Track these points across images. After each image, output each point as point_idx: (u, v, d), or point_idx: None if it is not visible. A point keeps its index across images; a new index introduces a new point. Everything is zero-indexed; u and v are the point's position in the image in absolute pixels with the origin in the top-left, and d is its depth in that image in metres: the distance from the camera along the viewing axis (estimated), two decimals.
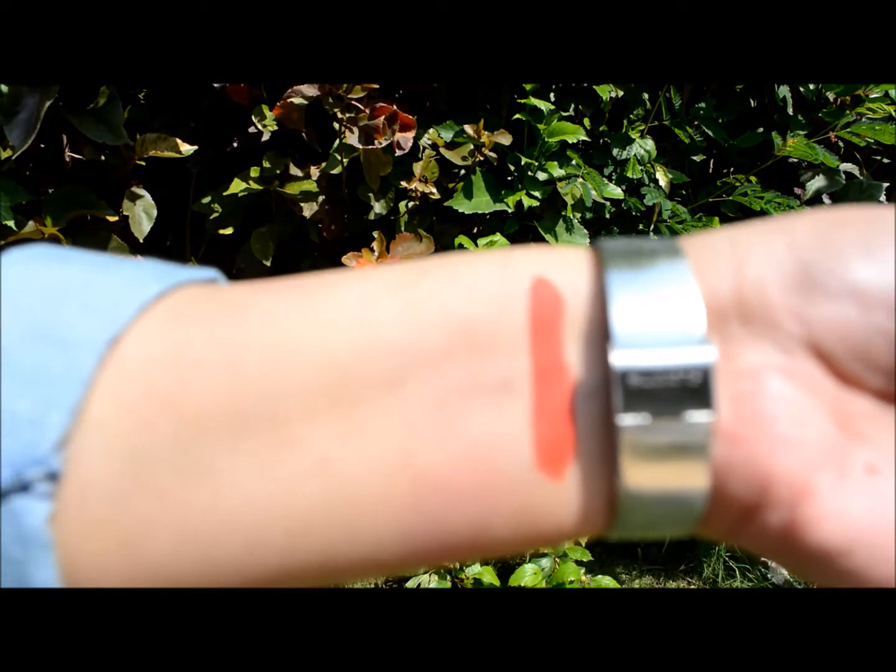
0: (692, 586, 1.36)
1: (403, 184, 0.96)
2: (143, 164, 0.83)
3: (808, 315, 0.14)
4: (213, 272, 0.17)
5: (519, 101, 0.99)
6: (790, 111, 1.11)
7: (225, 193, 0.92)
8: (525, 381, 0.14)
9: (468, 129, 0.95)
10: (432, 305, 0.15)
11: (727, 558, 1.41)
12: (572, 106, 1.09)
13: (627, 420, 0.14)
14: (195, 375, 0.14)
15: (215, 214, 0.96)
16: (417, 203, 0.99)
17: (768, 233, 0.15)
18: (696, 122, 1.13)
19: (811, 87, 1.10)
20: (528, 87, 0.99)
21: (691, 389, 0.14)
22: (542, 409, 0.14)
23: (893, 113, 1.03)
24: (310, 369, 0.14)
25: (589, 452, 0.14)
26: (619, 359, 0.14)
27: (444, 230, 1.03)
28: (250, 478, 0.14)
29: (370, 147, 0.86)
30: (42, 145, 0.86)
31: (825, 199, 1.14)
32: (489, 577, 1.10)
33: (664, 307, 0.14)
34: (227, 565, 0.14)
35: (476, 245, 0.97)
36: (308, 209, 0.94)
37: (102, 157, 0.85)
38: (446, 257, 0.16)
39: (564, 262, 0.16)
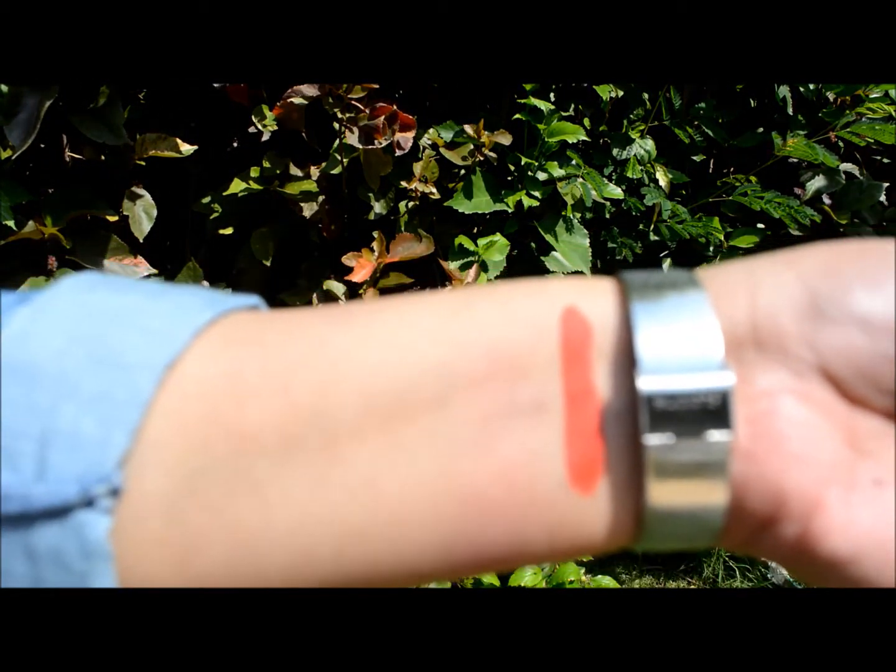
0: (692, 586, 1.36)
1: (403, 184, 0.96)
2: (143, 164, 0.83)
3: (817, 342, 0.16)
4: (256, 299, 0.18)
5: (519, 101, 0.99)
6: (790, 111, 1.11)
7: (225, 193, 0.92)
8: (558, 403, 0.16)
9: (468, 129, 0.95)
10: (474, 332, 0.16)
11: (727, 558, 1.41)
12: (572, 106, 1.09)
13: (653, 440, 0.15)
14: (249, 397, 0.15)
15: (215, 214, 0.96)
16: (417, 203, 0.99)
17: (780, 265, 0.16)
18: (696, 122, 1.13)
19: (811, 87, 1.10)
20: (528, 87, 0.99)
21: (711, 411, 0.15)
22: (574, 429, 0.15)
23: (893, 113, 1.03)
24: (358, 391, 0.15)
25: (617, 470, 0.15)
26: (646, 384, 0.15)
27: (444, 230, 1.03)
28: (302, 495, 0.15)
29: (370, 147, 0.86)
30: (42, 145, 0.86)
31: (825, 198, 1.14)
32: (489, 577, 1.10)
33: (685, 335, 0.15)
34: (276, 578, 0.15)
35: (476, 245, 0.97)
36: (308, 209, 0.94)
37: (102, 157, 0.85)
38: (486, 287, 0.17)
39: (592, 293, 0.17)
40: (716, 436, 0.15)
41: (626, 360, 0.16)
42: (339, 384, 0.15)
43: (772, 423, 0.15)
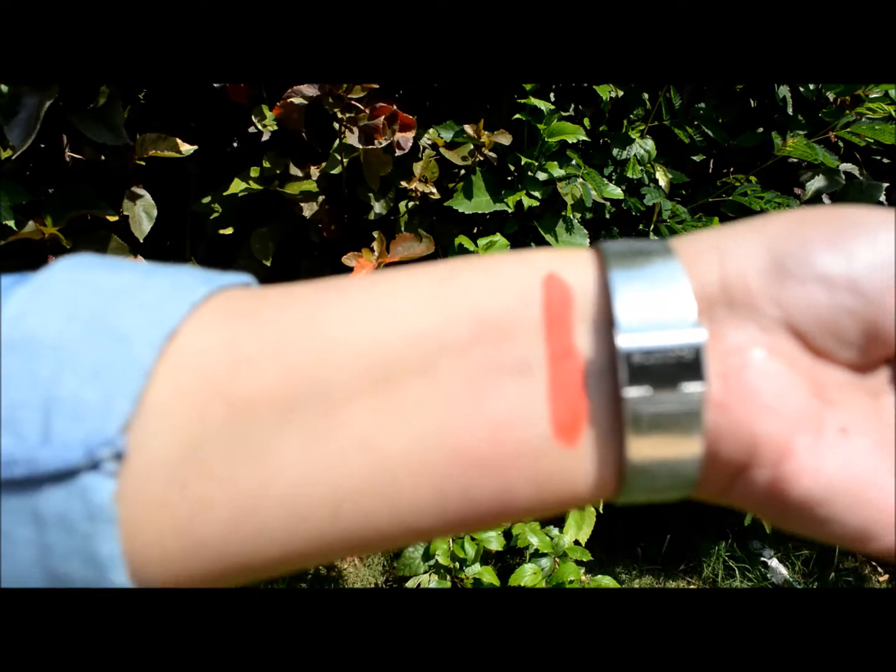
0: (692, 586, 1.36)
1: (403, 184, 0.96)
2: (143, 164, 0.83)
3: (783, 299, 0.17)
4: (249, 277, 0.19)
5: (519, 101, 0.99)
6: (790, 111, 1.11)
7: (225, 193, 0.92)
8: (542, 363, 0.16)
9: (468, 129, 0.95)
10: (461, 299, 0.17)
11: (727, 558, 1.41)
12: (572, 106, 1.08)
13: (632, 392, 0.16)
14: (246, 365, 0.16)
15: (215, 214, 0.96)
16: (417, 203, 0.99)
17: (747, 231, 0.18)
18: (695, 122, 1.12)
19: (811, 87, 1.10)
20: (527, 87, 0.99)
21: (685, 365, 0.16)
22: (557, 387, 0.16)
23: (893, 113, 1.03)
24: (352, 357, 0.16)
25: (599, 424, 0.16)
26: (624, 341, 0.16)
27: (444, 230, 1.03)
28: (299, 457, 0.16)
29: (370, 147, 0.86)
30: (42, 145, 0.86)
31: (825, 199, 1.14)
32: (489, 576, 1.10)
33: (660, 297, 0.16)
34: (277, 538, 0.16)
35: (476, 245, 0.97)
36: (308, 209, 0.94)
37: (102, 157, 0.85)
38: (471, 258, 0.18)
39: (572, 261, 0.18)
40: (690, 387, 0.16)
41: (605, 322, 0.17)
42: (332, 351, 0.16)
43: (743, 376, 0.16)
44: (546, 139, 0.98)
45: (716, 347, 0.17)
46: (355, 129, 0.86)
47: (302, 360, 0.16)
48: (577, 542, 1.13)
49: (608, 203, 1.09)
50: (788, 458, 0.16)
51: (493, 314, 0.17)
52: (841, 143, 1.11)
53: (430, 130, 0.99)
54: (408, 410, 0.16)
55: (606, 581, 1.11)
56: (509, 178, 1.05)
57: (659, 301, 0.16)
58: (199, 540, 0.15)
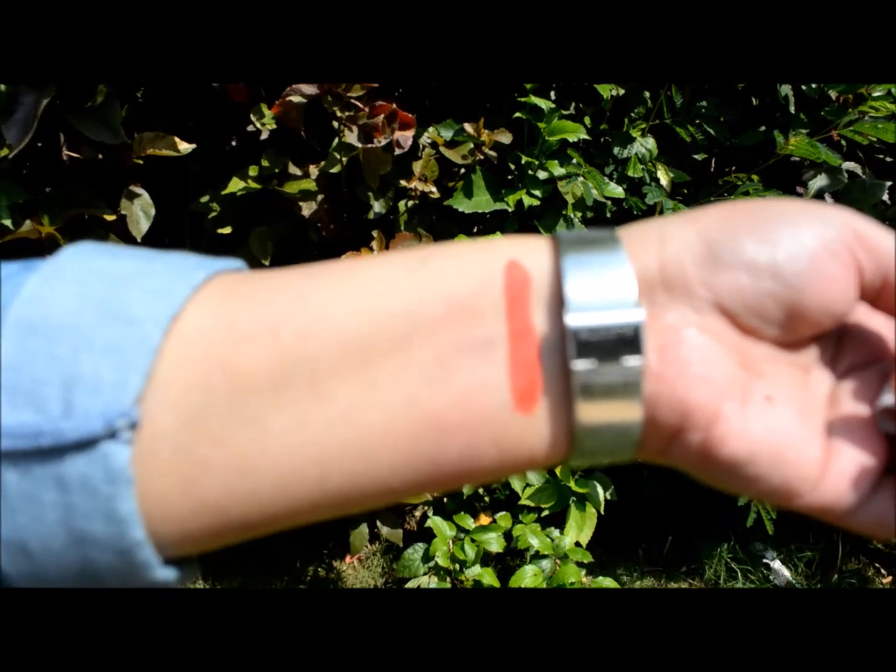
0: (694, 588, 1.35)
1: (403, 183, 0.96)
2: (141, 162, 0.83)
3: (713, 283, 0.19)
4: (240, 262, 0.20)
5: (519, 99, 0.98)
6: (792, 110, 1.10)
7: (223, 192, 0.92)
8: (503, 340, 0.18)
9: (468, 127, 0.95)
10: (432, 283, 0.19)
11: (729, 560, 1.41)
12: (573, 104, 1.08)
13: (579, 365, 0.18)
14: (243, 343, 0.18)
15: (214, 213, 0.96)
16: (417, 202, 0.99)
17: (685, 221, 0.20)
18: (697, 121, 1.12)
19: (813, 85, 1.10)
20: (528, 85, 0.99)
21: (627, 341, 0.18)
22: (517, 361, 0.18)
23: None
24: (335, 336, 0.18)
25: (553, 393, 0.18)
26: (573, 320, 0.18)
27: (444, 229, 1.03)
28: (290, 425, 0.17)
29: (369, 146, 0.85)
30: (39, 144, 0.86)
31: (827, 197, 1.14)
32: (489, 578, 1.10)
33: (606, 282, 0.18)
34: (270, 497, 0.18)
35: None
36: (307, 208, 0.94)
37: (100, 156, 0.85)
38: (441, 246, 0.20)
39: (532, 248, 0.20)
40: (630, 360, 0.18)
41: (559, 303, 0.19)
42: (319, 331, 0.18)
43: (677, 351, 0.18)
44: (546, 138, 0.98)
45: (654, 325, 0.19)
46: (354, 128, 0.85)
47: (292, 338, 0.18)
48: (577, 544, 1.12)
49: (609, 202, 1.09)
50: (717, 423, 0.18)
51: (461, 296, 0.19)
52: (843, 142, 1.11)
53: (430, 129, 0.99)
54: (384, 384, 0.18)
55: (607, 582, 1.10)
56: (509, 177, 1.05)
57: (605, 284, 0.18)
58: (201, 498, 0.17)
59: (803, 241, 0.19)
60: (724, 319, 0.19)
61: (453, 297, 0.18)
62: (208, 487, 0.17)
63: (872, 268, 0.19)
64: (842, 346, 0.21)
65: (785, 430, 0.19)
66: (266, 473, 0.17)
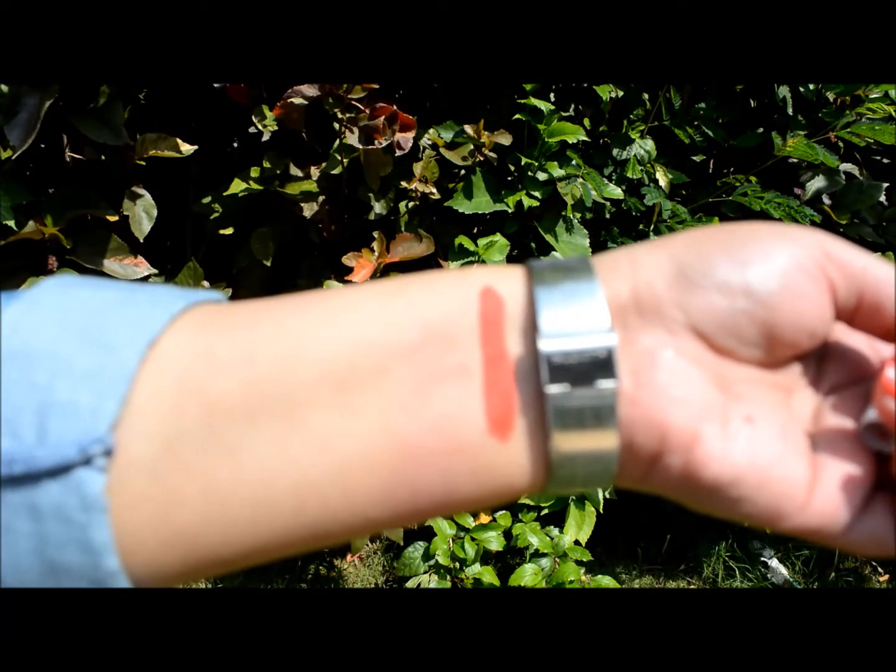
0: (692, 586, 1.36)
1: (403, 184, 0.96)
2: (144, 163, 0.83)
3: (686, 304, 0.19)
4: (220, 294, 0.20)
5: (519, 101, 0.99)
6: (790, 111, 1.11)
7: (225, 194, 0.92)
8: (478, 366, 0.18)
9: (468, 129, 0.95)
10: (408, 311, 0.19)
11: (727, 558, 1.41)
12: (572, 106, 1.08)
13: (553, 389, 0.18)
14: (219, 371, 0.17)
15: (215, 214, 0.96)
16: (417, 203, 0.99)
17: (656, 247, 0.20)
18: (696, 123, 1.12)
19: (811, 87, 1.10)
20: (528, 87, 0.99)
21: (600, 364, 0.18)
22: (492, 387, 0.18)
23: (893, 113, 1.03)
24: (312, 364, 0.18)
25: (528, 418, 0.18)
26: (546, 345, 0.18)
27: (444, 230, 1.03)
28: (266, 454, 0.17)
29: (370, 147, 0.86)
30: (42, 145, 0.86)
31: (825, 198, 1.14)
32: (489, 577, 1.10)
33: (578, 307, 0.18)
34: (246, 529, 0.17)
35: (476, 245, 0.97)
36: (308, 209, 0.94)
37: (102, 157, 0.85)
38: (417, 275, 0.20)
39: (506, 276, 0.20)
40: (604, 384, 0.18)
41: (532, 329, 0.19)
42: (296, 359, 0.18)
43: (652, 374, 0.18)
44: (546, 139, 0.98)
45: (627, 349, 0.19)
46: (355, 130, 0.86)
47: (268, 365, 0.18)
48: (577, 542, 1.13)
49: (608, 203, 1.09)
50: (697, 445, 0.18)
51: (436, 322, 0.19)
52: (841, 143, 1.11)
53: (431, 130, 0.99)
54: (361, 411, 0.18)
55: (606, 581, 1.11)
56: (509, 179, 1.05)
57: (577, 311, 0.18)
58: (175, 529, 0.17)
59: (775, 260, 0.19)
60: (698, 341, 0.19)
61: (429, 324, 0.18)
62: (180, 517, 0.17)
63: (844, 285, 0.19)
64: (824, 366, 0.21)
65: (768, 449, 0.18)
66: (241, 503, 0.17)
